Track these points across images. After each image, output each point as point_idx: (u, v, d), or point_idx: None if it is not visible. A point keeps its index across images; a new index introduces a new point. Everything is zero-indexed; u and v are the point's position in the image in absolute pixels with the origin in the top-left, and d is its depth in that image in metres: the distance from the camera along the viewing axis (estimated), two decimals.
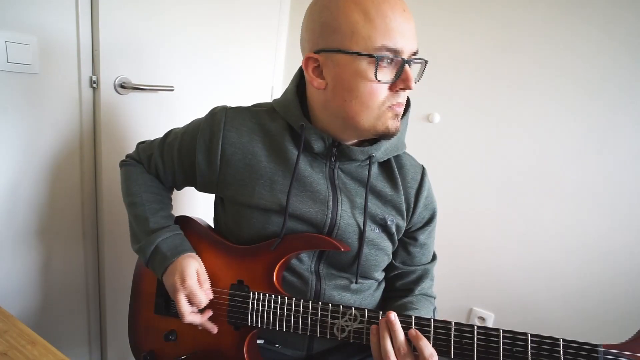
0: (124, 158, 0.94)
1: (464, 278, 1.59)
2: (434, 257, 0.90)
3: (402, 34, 0.64)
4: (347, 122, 0.71)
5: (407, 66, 0.67)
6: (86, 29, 1.04)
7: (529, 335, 0.59)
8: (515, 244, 1.49)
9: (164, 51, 1.23)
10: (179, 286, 0.74)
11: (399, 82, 0.67)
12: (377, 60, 0.64)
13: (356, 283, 0.80)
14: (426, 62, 0.72)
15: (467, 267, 1.58)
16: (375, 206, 0.79)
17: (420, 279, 0.87)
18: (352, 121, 0.70)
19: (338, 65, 0.67)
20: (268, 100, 1.66)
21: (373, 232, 0.78)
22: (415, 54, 0.68)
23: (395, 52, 0.65)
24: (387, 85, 0.67)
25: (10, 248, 1.03)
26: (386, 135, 0.71)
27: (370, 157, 0.77)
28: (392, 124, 0.70)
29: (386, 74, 0.66)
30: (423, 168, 0.85)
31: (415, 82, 0.70)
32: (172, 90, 1.26)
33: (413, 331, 0.63)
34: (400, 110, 0.71)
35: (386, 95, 0.68)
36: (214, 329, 0.77)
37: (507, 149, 1.45)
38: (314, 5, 0.70)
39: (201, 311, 0.77)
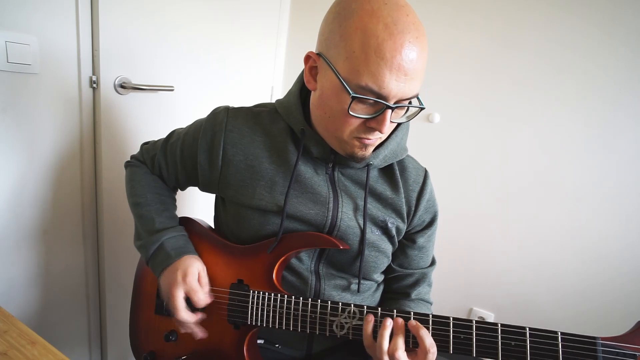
0: (128, 159, 0.95)
1: (464, 278, 1.59)
2: (432, 262, 0.88)
3: (394, 79, 0.60)
4: (323, 132, 0.73)
5: (388, 111, 0.63)
6: (86, 29, 1.04)
7: (528, 329, 0.59)
8: (515, 244, 1.49)
9: (164, 51, 1.23)
10: (179, 281, 0.73)
11: (373, 121, 0.64)
12: (351, 99, 0.62)
13: (358, 290, 0.80)
14: (421, 108, 0.67)
15: (467, 267, 1.58)
16: (375, 208, 0.78)
17: (417, 283, 0.86)
18: (325, 133, 0.72)
19: (327, 78, 0.66)
20: (268, 100, 1.68)
21: (373, 234, 0.77)
22: (409, 99, 0.64)
23: (379, 96, 0.61)
24: (361, 120, 0.65)
25: (11, 248, 1.03)
26: (352, 159, 0.72)
27: (368, 165, 0.77)
28: (358, 152, 0.70)
29: (364, 109, 0.64)
30: (425, 171, 0.85)
31: (402, 122, 0.68)
32: (172, 90, 1.26)
33: (413, 321, 0.63)
34: (370, 142, 0.69)
35: (356, 127, 0.66)
36: (198, 335, 0.76)
37: (507, 149, 1.45)
38: (333, 7, 0.66)
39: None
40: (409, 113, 0.71)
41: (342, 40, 0.62)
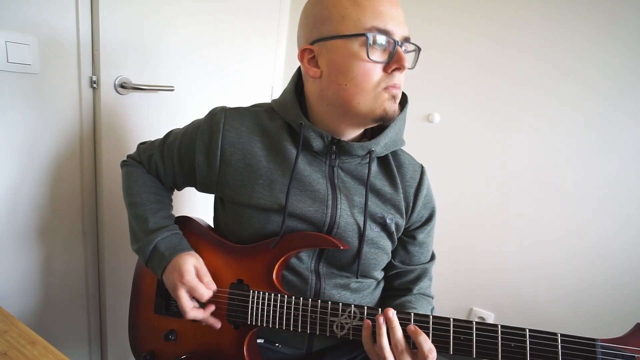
0: (124, 158, 0.95)
1: (464, 278, 1.60)
2: (432, 257, 0.90)
3: (391, 17, 0.66)
4: (345, 109, 0.71)
5: (399, 47, 0.67)
6: (86, 28, 1.04)
7: (527, 330, 0.59)
8: (516, 244, 1.49)
9: (164, 51, 1.23)
10: (178, 283, 0.74)
11: (392, 62, 0.67)
12: (367, 39, 0.65)
13: (357, 277, 0.80)
14: (419, 48, 0.72)
15: (467, 267, 1.58)
16: (374, 205, 0.79)
17: (418, 279, 0.87)
18: (349, 106, 0.70)
19: (331, 51, 0.69)
20: (268, 100, 1.67)
21: (372, 231, 0.78)
22: (407, 40, 0.69)
23: (386, 32, 0.66)
24: (380, 66, 0.68)
25: (11, 248, 1.03)
26: (385, 118, 0.71)
27: (370, 152, 0.77)
28: (389, 105, 0.70)
29: (379, 55, 0.67)
30: (422, 167, 0.86)
31: (410, 69, 0.71)
32: (172, 90, 1.26)
33: (412, 326, 0.63)
34: (397, 92, 0.71)
35: (380, 77, 0.68)
36: (217, 324, 0.77)
37: (507, 149, 1.45)
38: (308, 2, 0.73)
39: (203, 307, 0.77)
40: (412, 58, 0.74)
41: (331, 11, 0.67)
